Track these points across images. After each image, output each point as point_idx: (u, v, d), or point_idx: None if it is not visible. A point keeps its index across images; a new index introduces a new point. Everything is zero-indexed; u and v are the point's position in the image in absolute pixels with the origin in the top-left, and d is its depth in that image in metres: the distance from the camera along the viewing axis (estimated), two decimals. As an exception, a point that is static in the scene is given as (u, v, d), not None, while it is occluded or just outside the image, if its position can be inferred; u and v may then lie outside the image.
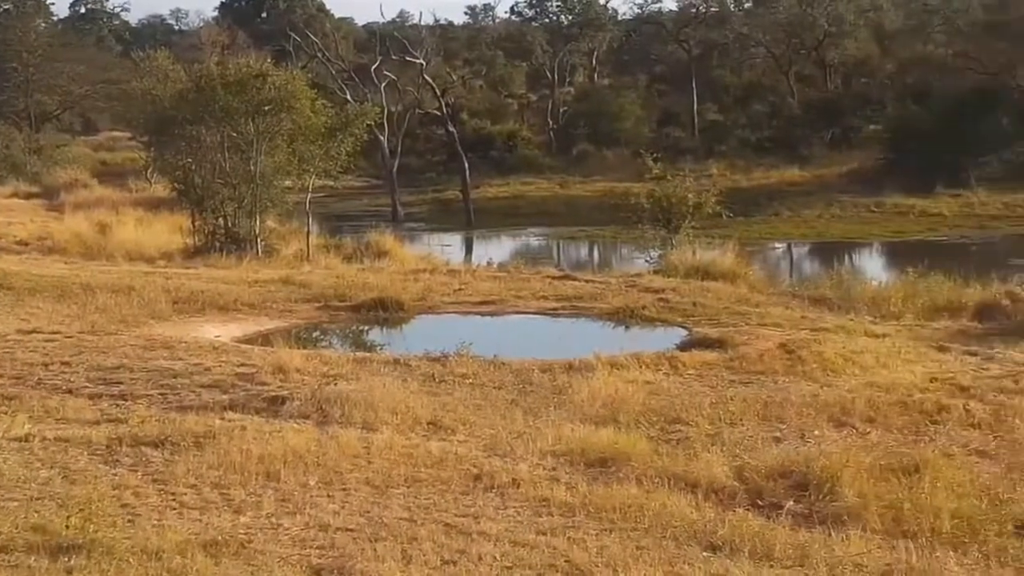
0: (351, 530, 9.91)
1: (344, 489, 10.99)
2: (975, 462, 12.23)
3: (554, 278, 26.11)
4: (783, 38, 74.21)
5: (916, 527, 10.07)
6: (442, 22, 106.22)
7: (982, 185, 51.51)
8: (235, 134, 32.05)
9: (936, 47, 71.95)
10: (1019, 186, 50.69)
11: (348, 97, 52.74)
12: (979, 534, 9.91)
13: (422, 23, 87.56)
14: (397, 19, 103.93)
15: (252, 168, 31.78)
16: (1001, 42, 60.81)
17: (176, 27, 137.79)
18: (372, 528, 9.96)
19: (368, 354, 18.29)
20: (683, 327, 20.51)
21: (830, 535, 9.92)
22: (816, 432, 13.26)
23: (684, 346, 18.44)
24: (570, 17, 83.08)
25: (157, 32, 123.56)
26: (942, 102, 55.93)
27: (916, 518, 10.18)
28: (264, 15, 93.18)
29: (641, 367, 16.26)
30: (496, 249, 44.22)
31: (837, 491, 10.71)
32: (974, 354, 17.69)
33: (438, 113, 60.88)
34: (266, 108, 31.65)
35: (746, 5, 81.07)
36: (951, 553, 9.59)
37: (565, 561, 9.27)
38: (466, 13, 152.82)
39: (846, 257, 42.23)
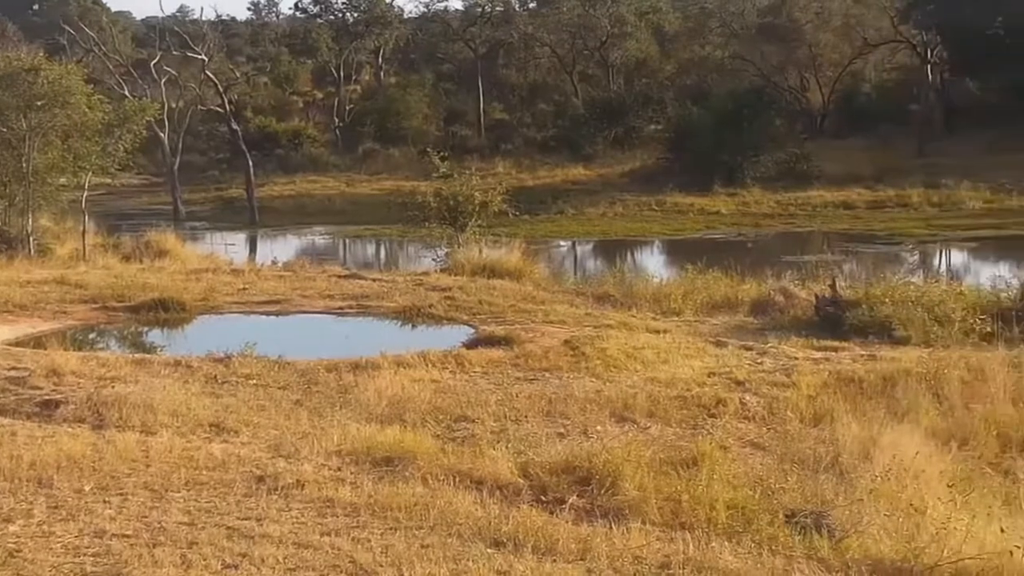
0: (128, 536, 9.63)
1: (121, 494, 10.67)
2: (749, 454, 12.61)
3: (340, 277, 25.93)
4: (567, 38, 75.32)
5: (693, 518, 10.29)
6: (224, 18, 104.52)
7: (756, 184, 53.16)
8: (5, 130, 31.05)
9: (714, 49, 74.00)
10: (790, 185, 52.51)
11: (126, 92, 51.60)
12: (752, 524, 10.18)
13: (203, 18, 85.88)
14: (177, 14, 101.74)
15: (24, 165, 30.83)
16: (772, 45, 63.09)
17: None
18: (150, 533, 9.70)
19: (148, 356, 17.85)
20: (470, 325, 20.59)
21: (611, 528, 10.05)
22: (599, 427, 13.47)
23: (470, 344, 18.49)
24: (355, 15, 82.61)
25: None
26: (719, 103, 57.59)
27: (693, 510, 10.40)
28: (36, 7, 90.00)
29: (428, 365, 16.26)
30: (281, 248, 43.70)
31: (618, 485, 10.86)
32: (749, 348, 18.19)
33: (220, 110, 59.83)
34: (39, 103, 30.80)
35: (531, 5, 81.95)
36: (726, 543, 9.81)
37: (350, 562, 9.19)
38: (249, 9, 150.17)
39: (628, 254, 43.09)
